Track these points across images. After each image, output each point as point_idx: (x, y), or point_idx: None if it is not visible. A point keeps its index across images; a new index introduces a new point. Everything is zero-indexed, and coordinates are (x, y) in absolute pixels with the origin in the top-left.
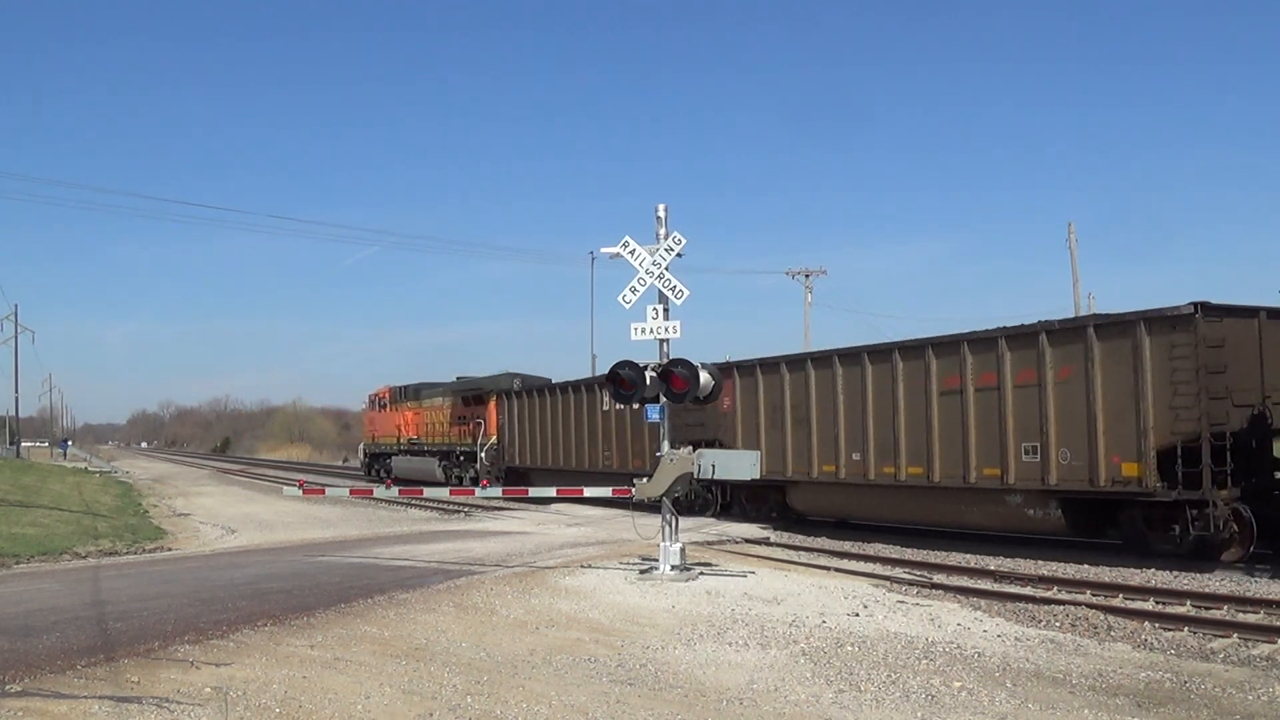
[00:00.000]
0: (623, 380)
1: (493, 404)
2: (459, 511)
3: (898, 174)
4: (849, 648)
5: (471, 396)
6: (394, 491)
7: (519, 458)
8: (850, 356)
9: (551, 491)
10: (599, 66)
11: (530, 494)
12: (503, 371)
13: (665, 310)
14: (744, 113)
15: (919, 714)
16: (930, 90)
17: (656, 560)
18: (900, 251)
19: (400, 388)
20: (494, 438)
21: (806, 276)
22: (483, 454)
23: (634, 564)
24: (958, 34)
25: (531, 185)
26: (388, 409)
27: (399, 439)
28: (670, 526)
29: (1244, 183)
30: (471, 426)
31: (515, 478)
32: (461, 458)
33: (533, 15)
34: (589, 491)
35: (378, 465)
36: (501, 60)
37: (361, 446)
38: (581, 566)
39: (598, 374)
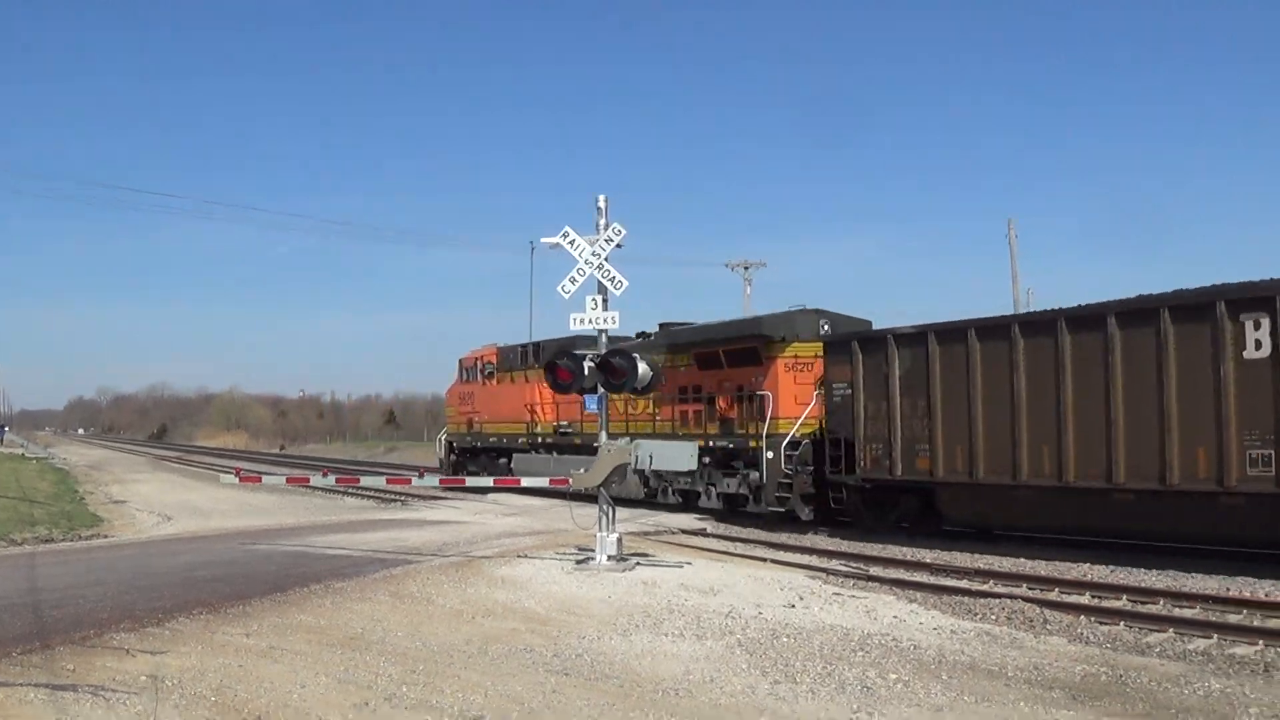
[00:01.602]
0: (561, 370)
1: (780, 365)
2: (396, 500)
3: (846, 168)
4: (785, 639)
5: (729, 352)
6: (330, 480)
7: (899, 461)
8: None
9: (489, 481)
10: (547, 58)
11: (467, 484)
12: (794, 306)
13: (604, 301)
14: (689, 106)
15: (854, 705)
16: (880, 85)
17: (593, 550)
18: (841, 247)
19: (531, 346)
20: (801, 421)
21: (746, 269)
22: (770, 454)
23: (570, 554)
24: (910, 27)
25: (475, 175)
26: (495, 380)
27: (532, 424)
28: (607, 517)
29: (1243, 181)
30: (725, 405)
31: (882, 498)
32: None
33: (479, 8)
34: (526, 482)
35: (476, 465)
36: (449, 51)
37: (443, 437)
38: (518, 556)
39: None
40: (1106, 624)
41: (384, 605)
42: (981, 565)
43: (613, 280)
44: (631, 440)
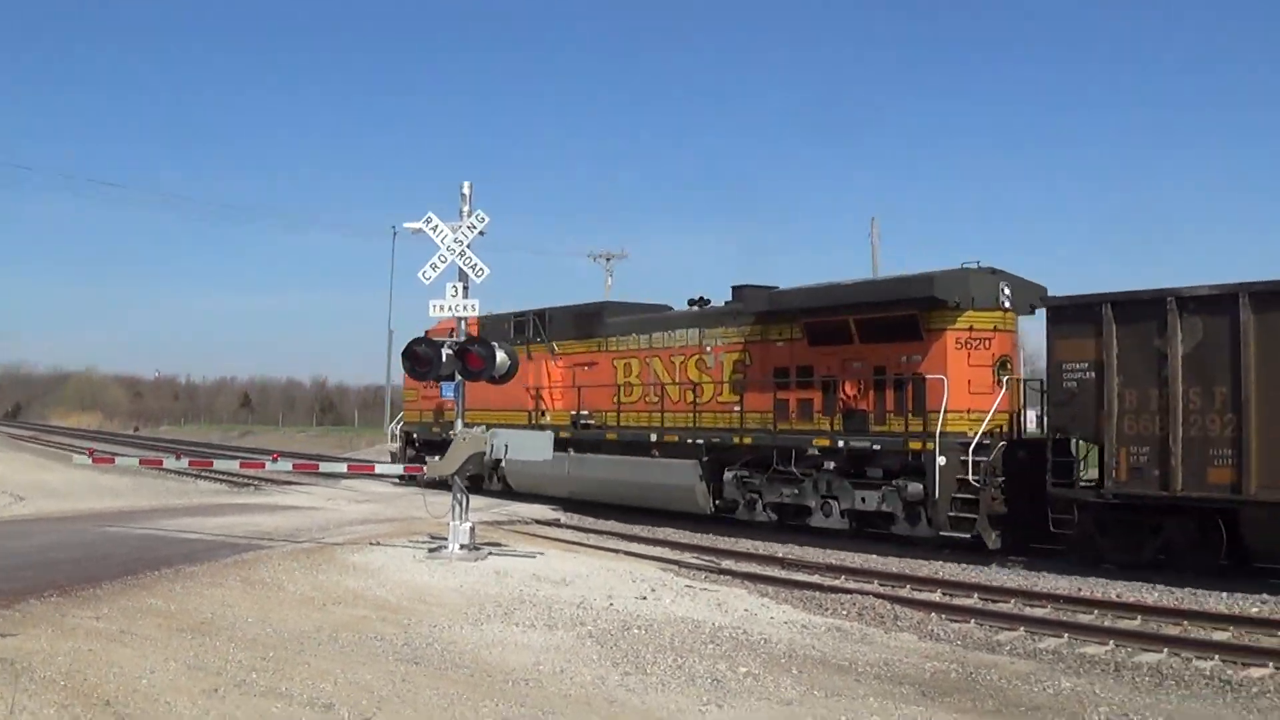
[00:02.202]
0: (419, 357)
1: (950, 339)
2: (248, 485)
3: (715, 162)
4: (636, 630)
5: (868, 322)
6: (184, 462)
7: (1179, 471)
8: None
9: (343, 467)
10: (414, 44)
11: (321, 469)
12: (970, 263)
13: (465, 288)
14: (560, 97)
15: (704, 698)
16: (739, 81)
17: (446, 539)
18: (702, 240)
19: (533, 315)
20: (989, 416)
21: (608, 260)
22: (944, 460)
23: (423, 542)
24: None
25: (343, 157)
26: None
27: (536, 414)
28: (460, 505)
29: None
30: (853, 392)
31: (1139, 521)
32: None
33: None
34: (380, 468)
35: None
36: (317, 33)
37: (398, 426)
38: (370, 544)
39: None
40: (957, 621)
41: (235, 590)
42: (833, 561)
43: (474, 268)
44: (487, 428)
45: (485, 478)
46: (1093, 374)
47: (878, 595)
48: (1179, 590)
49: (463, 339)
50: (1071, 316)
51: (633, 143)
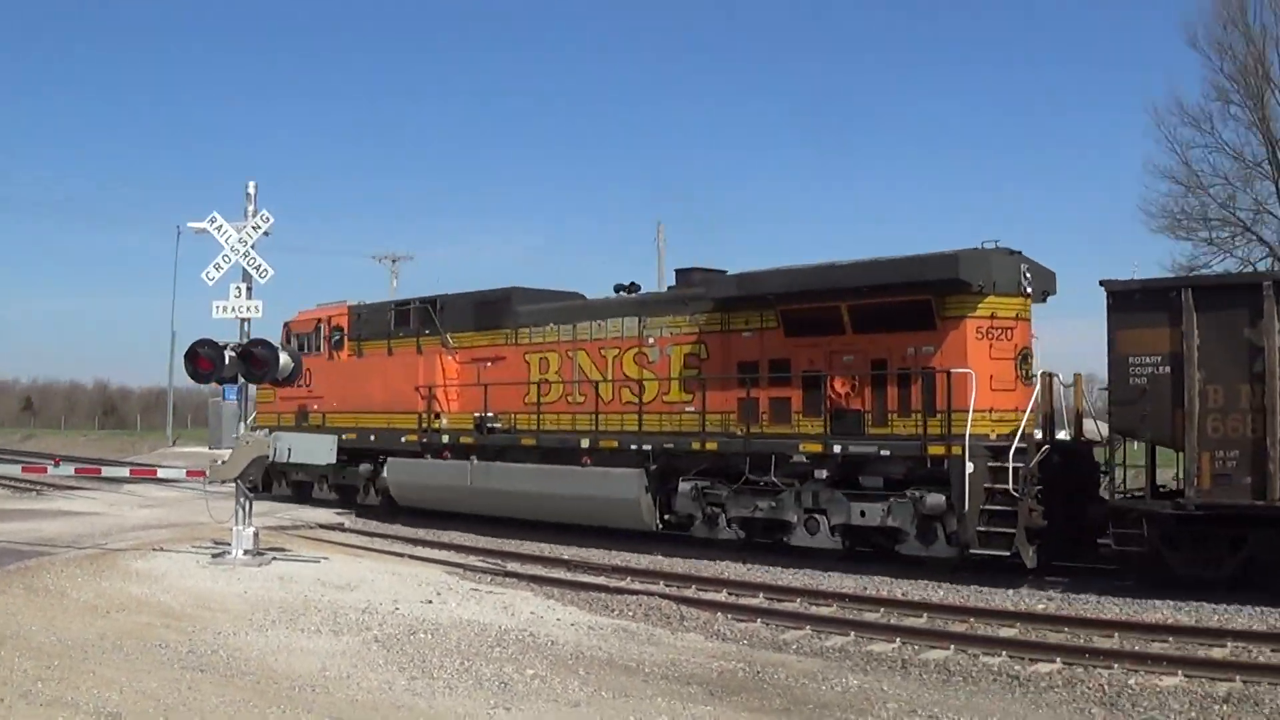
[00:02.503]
0: (201, 359)
1: (970, 328)
2: (31, 490)
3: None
4: (422, 635)
5: (866, 309)
6: None
7: (1277, 477)
8: None
9: (125, 471)
10: (195, 40)
11: (103, 474)
12: (988, 243)
13: (249, 289)
14: (345, 100)
15: (492, 701)
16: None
17: (229, 544)
18: (496, 243)
19: (419, 303)
20: (1026, 415)
21: (394, 262)
22: (972, 466)
23: (207, 548)
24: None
25: (121, 152)
26: (349, 352)
27: (429, 415)
28: (244, 510)
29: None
30: (844, 390)
31: (1220, 534)
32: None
33: None
34: (162, 472)
35: (308, 474)
36: (105, 32)
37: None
38: (154, 549)
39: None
40: (743, 621)
41: (18, 599)
42: (619, 562)
43: (259, 269)
44: (271, 432)
45: (360, 490)
46: (1167, 368)
47: (664, 596)
48: (965, 588)
49: (246, 340)
50: (1140, 303)
51: (418, 145)
